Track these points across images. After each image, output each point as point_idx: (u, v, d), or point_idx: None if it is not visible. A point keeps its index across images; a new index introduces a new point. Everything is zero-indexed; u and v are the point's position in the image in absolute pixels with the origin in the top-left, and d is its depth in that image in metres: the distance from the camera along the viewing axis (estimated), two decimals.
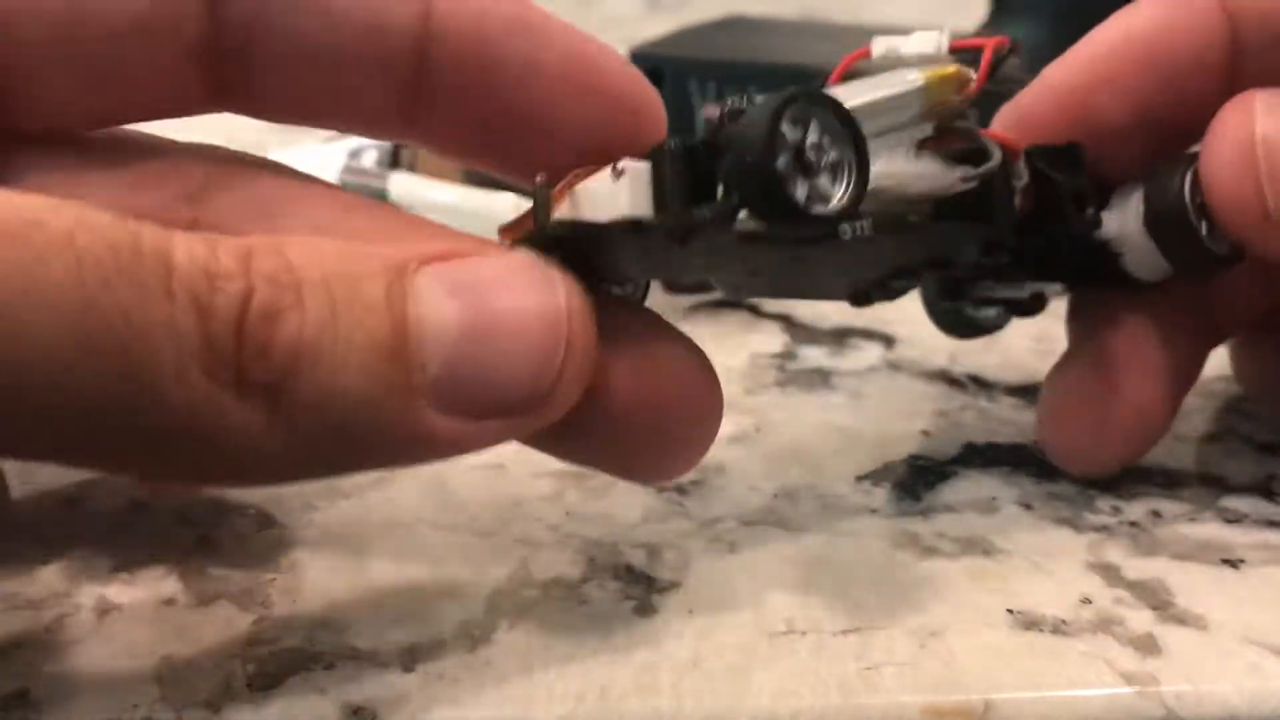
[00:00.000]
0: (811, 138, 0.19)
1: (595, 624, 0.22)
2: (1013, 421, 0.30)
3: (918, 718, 0.20)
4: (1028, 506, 0.26)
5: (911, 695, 0.20)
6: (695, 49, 0.48)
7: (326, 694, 0.20)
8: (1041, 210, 0.24)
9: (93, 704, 0.20)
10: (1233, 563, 0.24)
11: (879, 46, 0.24)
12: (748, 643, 0.21)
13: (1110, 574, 0.23)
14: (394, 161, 0.39)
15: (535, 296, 0.19)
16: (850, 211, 0.19)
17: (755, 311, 0.36)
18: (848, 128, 0.19)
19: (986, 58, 0.23)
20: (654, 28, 0.54)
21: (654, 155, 0.19)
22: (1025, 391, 0.31)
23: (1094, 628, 0.22)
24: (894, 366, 0.33)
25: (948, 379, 0.32)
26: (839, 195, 0.19)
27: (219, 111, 0.22)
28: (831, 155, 0.19)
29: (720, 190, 0.19)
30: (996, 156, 0.22)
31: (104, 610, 0.22)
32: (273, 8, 0.20)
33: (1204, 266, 0.25)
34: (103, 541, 0.24)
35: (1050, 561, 0.24)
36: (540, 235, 0.20)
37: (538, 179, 0.20)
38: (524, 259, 0.19)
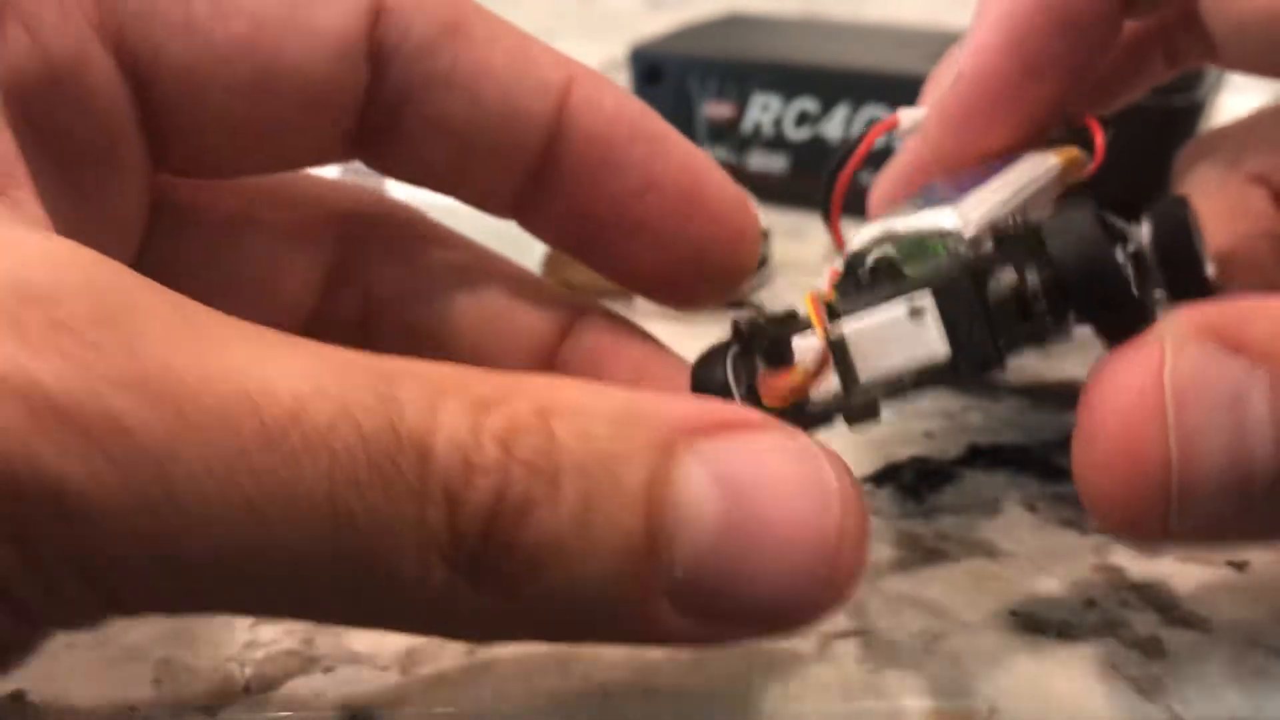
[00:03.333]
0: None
1: None
2: (1017, 423, 0.29)
3: None
4: (1032, 508, 0.26)
5: (915, 699, 0.20)
6: (695, 47, 0.48)
7: (325, 697, 0.20)
8: None
9: (90, 706, 0.19)
10: (1237, 565, 0.24)
11: (906, 119, 0.25)
12: (749, 646, 0.21)
13: (1115, 576, 0.23)
14: None
15: (807, 504, 0.17)
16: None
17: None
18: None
19: (1099, 139, 0.23)
20: (654, 25, 0.54)
21: (937, 288, 0.18)
22: (1029, 393, 0.31)
23: (1099, 630, 0.22)
24: None
25: None
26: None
27: (352, 161, 0.23)
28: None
29: (1040, 303, 0.18)
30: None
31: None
32: (424, 87, 0.21)
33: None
34: None
35: (1055, 564, 0.24)
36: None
37: (801, 347, 0.19)
38: (798, 446, 0.17)
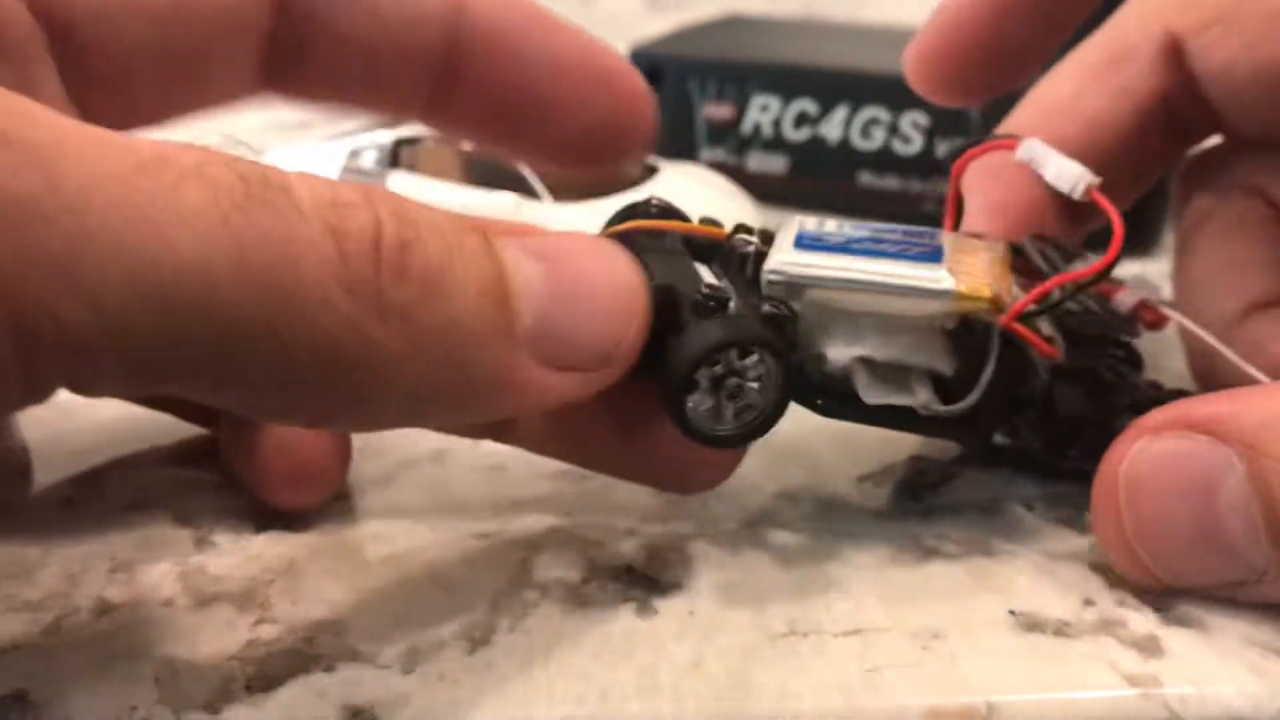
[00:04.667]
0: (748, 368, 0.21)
1: (595, 625, 0.22)
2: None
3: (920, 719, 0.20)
4: (1030, 507, 0.26)
5: (914, 697, 0.20)
6: (695, 48, 0.48)
7: (326, 696, 0.20)
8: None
9: (91, 705, 0.19)
10: None
11: (1025, 151, 0.26)
12: (749, 644, 0.21)
13: (1113, 575, 0.23)
14: (394, 161, 0.39)
15: (610, 265, 0.20)
16: (742, 437, 0.22)
17: None
18: (775, 374, 0.21)
19: (1115, 220, 0.23)
20: (654, 27, 0.54)
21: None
22: None
23: (1096, 629, 0.22)
24: None
25: None
26: (745, 418, 0.22)
27: (268, 97, 0.23)
28: (751, 391, 0.21)
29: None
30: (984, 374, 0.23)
31: (103, 611, 0.22)
32: (325, 5, 0.22)
33: None
34: (103, 541, 0.24)
35: (1052, 563, 0.24)
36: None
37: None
38: (596, 237, 0.21)
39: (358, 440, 0.28)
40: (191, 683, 0.20)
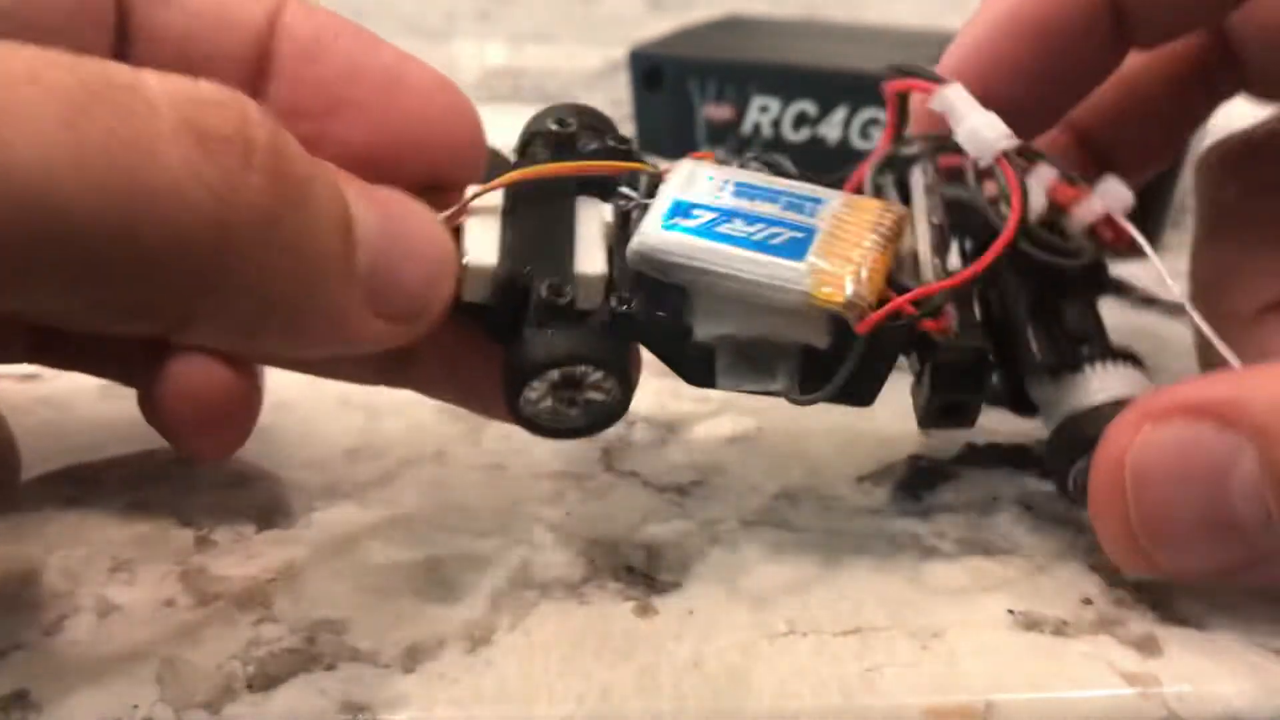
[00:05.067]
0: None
1: (595, 624, 0.22)
2: (1014, 422, 0.30)
3: (919, 718, 0.20)
4: (1028, 507, 0.26)
5: (913, 696, 0.20)
6: (695, 49, 0.48)
7: (327, 694, 0.20)
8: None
9: (93, 704, 0.19)
10: None
11: (938, 101, 0.25)
12: (748, 643, 0.21)
13: (1111, 574, 0.23)
14: None
15: (431, 226, 0.22)
16: (584, 430, 0.23)
17: None
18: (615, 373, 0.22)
19: (1013, 184, 0.23)
20: (654, 27, 0.54)
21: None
22: None
23: (1095, 628, 0.22)
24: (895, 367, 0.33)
25: None
26: (591, 412, 0.22)
27: None
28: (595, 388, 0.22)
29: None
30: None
31: (104, 611, 0.22)
32: (144, 2, 0.23)
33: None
34: (103, 541, 0.24)
35: (1051, 562, 0.24)
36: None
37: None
38: (411, 196, 0.22)
39: (359, 440, 0.28)
40: (192, 682, 0.20)
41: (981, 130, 0.24)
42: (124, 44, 0.23)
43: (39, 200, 0.16)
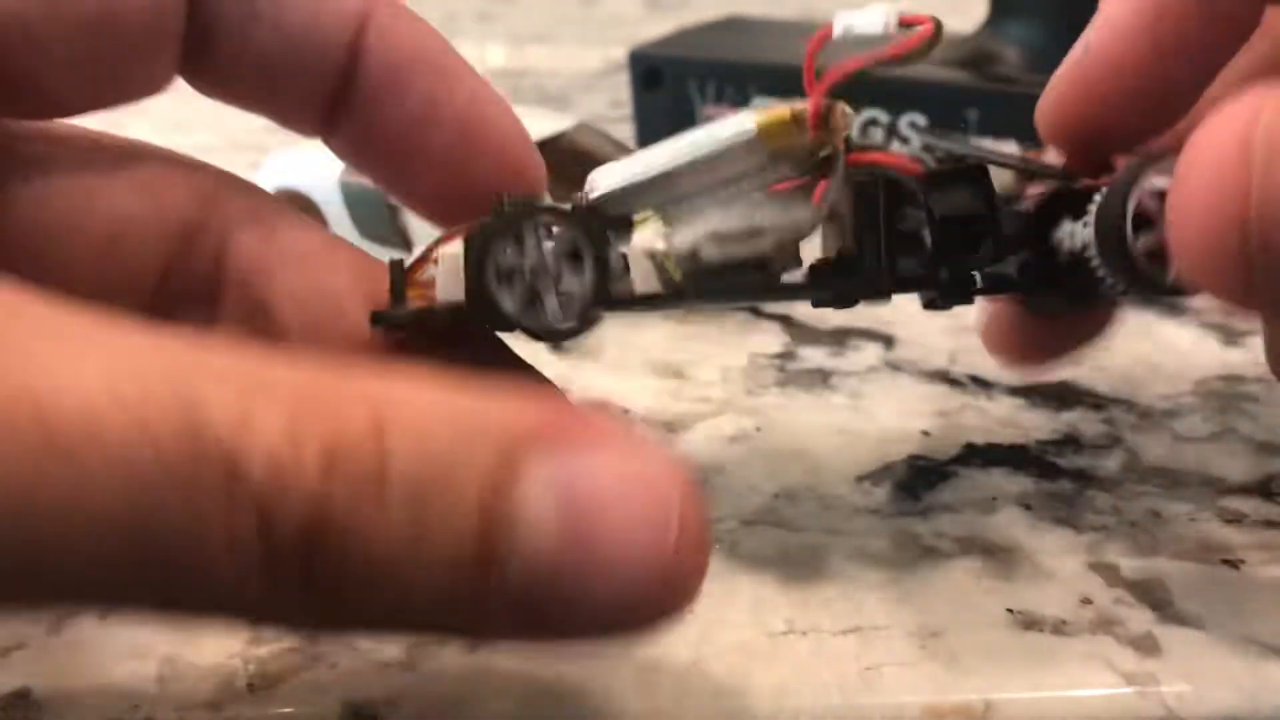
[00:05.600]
0: (547, 248, 0.21)
1: None
2: (1013, 422, 0.30)
3: (918, 718, 0.20)
4: (1027, 506, 0.26)
5: (912, 695, 0.20)
6: (695, 49, 0.48)
7: (327, 693, 0.20)
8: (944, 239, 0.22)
9: (94, 704, 0.20)
10: (1232, 563, 0.24)
11: (839, 26, 0.23)
12: (748, 643, 0.21)
13: (1110, 574, 0.23)
14: None
15: (647, 523, 0.16)
16: (580, 323, 0.21)
17: (755, 312, 0.36)
18: (577, 235, 0.21)
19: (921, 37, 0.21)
20: (654, 28, 0.54)
21: (466, 242, 0.21)
22: (1025, 392, 0.31)
23: (1094, 628, 0.22)
24: (894, 366, 0.33)
25: (947, 379, 0.32)
26: (575, 302, 0.21)
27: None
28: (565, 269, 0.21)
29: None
30: (828, 198, 0.21)
31: (105, 610, 0.22)
32: (232, 19, 0.22)
33: (1148, 291, 0.21)
34: None
35: (1050, 561, 0.24)
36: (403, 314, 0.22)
37: (391, 260, 0.22)
38: (642, 461, 0.16)
39: None
40: (194, 681, 0.20)
41: (869, 11, 0.22)
42: (204, 54, 0.23)
43: (89, 589, 0.15)
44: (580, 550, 0.16)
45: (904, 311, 0.29)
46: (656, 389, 0.31)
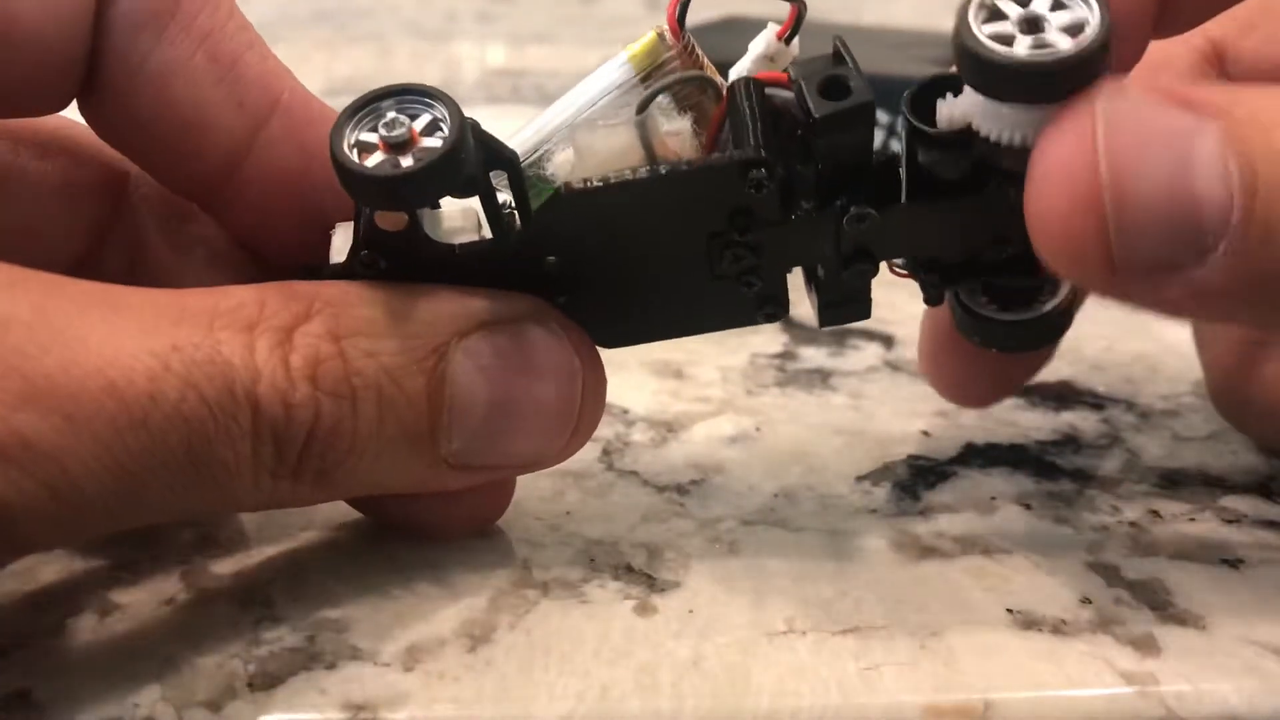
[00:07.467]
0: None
1: (595, 623, 0.22)
2: (1012, 422, 0.30)
3: (918, 717, 0.20)
4: (1027, 506, 0.26)
5: (911, 695, 0.20)
6: None
7: (327, 693, 0.20)
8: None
9: (94, 703, 0.20)
10: (1232, 563, 0.24)
11: (741, 68, 0.26)
12: (748, 642, 0.21)
13: (1110, 574, 0.23)
14: None
15: (556, 385, 0.22)
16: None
17: None
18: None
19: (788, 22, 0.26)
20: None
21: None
22: (1025, 392, 0.31)
23: (1094, 627, 0.22)
24: (894, 366, 0.33)
25: None
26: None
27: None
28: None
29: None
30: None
31: (105, 610, 0.22)
32: (124, 75, 0.22)
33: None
34: (103, 541, 0.24)
35: (1050, 561, 0.24)
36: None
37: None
38: (549, 333, 0.22)
39: None
40: (194, 680, 0.20)
41: (754, 47, 0.27)
42: (110, 102, 0.22)
43: (135, 510, 0.19)
44: (503, 411, 0.21)
45: (904, 311, 0.29)
46: (656, 389, 0.31)
